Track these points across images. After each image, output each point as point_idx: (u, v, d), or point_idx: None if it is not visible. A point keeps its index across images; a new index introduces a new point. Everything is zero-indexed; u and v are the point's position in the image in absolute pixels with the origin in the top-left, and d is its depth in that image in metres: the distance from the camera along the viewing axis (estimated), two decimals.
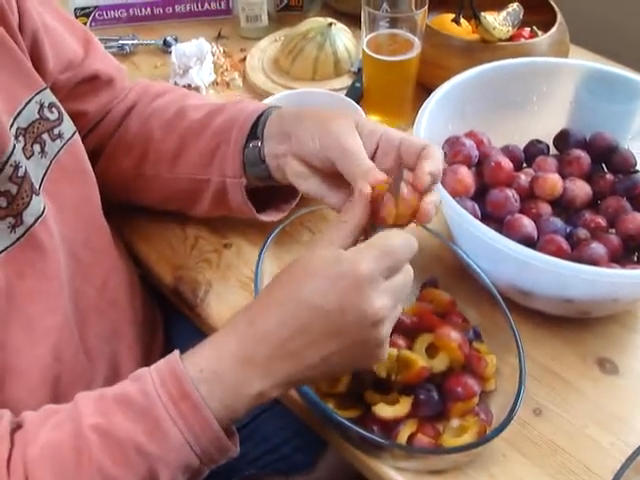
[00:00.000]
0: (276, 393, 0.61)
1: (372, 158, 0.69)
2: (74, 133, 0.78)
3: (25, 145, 0.70)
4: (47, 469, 0.57)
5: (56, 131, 0.75)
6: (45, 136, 0.73)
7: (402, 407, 0.68)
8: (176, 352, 0.62)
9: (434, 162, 0.66)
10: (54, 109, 0.75)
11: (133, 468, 0.57)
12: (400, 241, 0.62)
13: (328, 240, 0.63)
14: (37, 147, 0.72)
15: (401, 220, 0.65)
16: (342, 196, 0.72)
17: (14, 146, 0.67)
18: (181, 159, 0.85)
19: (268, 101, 1.03)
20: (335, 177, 0.71)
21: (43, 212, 0.69)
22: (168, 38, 1.27)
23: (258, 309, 0.63)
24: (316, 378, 0.66)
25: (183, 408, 0.58)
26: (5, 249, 0.66)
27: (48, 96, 0.74)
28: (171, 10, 1.33)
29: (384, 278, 0.60)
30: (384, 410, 0.68)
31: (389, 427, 0.69)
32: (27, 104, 0.71)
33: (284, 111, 0.80)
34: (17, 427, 0.59)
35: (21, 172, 0.67)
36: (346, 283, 0.59)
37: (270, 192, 0.87)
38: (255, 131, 0.80)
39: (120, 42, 1.26)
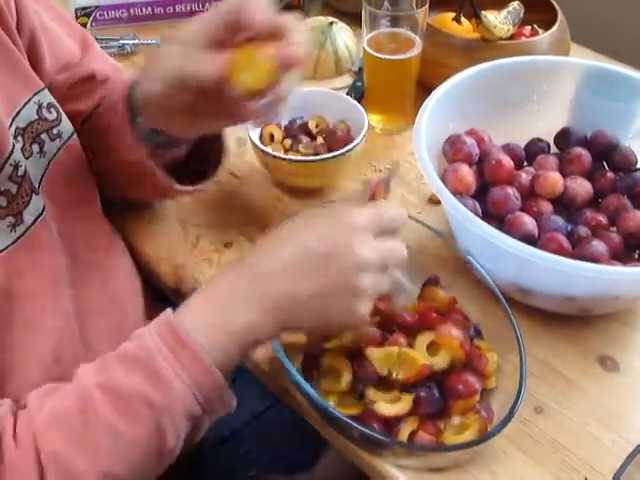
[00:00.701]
0: (267, 326, 0.63)
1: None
2: (73, 133, 0.78)
3: (24, 145, 0.70)
4: (56, 434, 0.58)
5: (55, 131, 0.75)
6: (44, 136, 0.73)
7: (403, 405, 0.68)
8: (168, 309, 0.64)
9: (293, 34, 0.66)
10: (52, 109, 0.75)
11: (140, 421, 0.59)
12: (394, 209, 0.69)
13: None
14: (36, 147, 0.72)
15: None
16: None
17: (13, 145, 0.67)
18: (107, 144, 0.82)
19: None
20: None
21: (43, 211, 0.70)
22: None
23: (253, 254, 0.68)
24: (301, 320, 0.66)
25: (183, 358, 0.60)
26: (5, 248, 0.66)
27: (46, 96, 0.74)
28: (172, 10, 1.33)
29: (374, 236, 0.65)
30: (385, 408, 0.68)
31: (390, 425, 0.69)
32: (26, 104, 0.71)
33: (134, 78, 0.77)
34: (19, 408, 0.60)
35: (21, 171, 0.67)
36: (340, 227, 0.65)
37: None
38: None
39: (121, 42, 1.26)
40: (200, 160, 0.85)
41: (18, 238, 0.67)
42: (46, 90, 0.74)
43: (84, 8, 1.28)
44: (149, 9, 1.32)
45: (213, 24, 0.67)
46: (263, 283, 0.64)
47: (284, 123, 1.01)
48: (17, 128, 0.70)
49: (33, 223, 0.68)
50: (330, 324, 0.67)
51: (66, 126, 0.77)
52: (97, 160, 0.83)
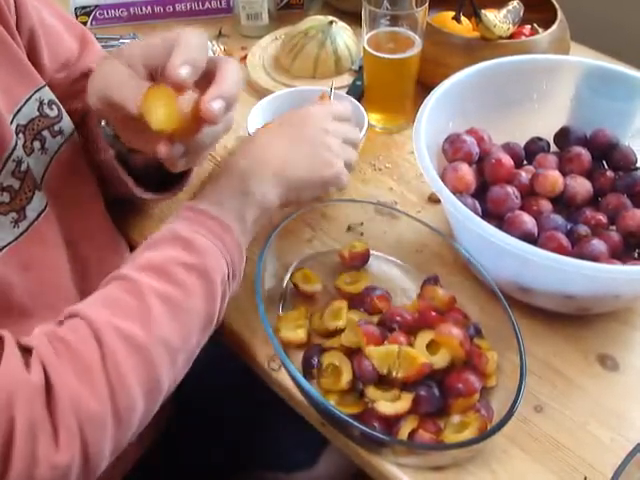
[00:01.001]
0: (271, 192, 0.76)
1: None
2: (74, 130, 0.78)
3: (25, 142, 0.71)
4: (107, 312, 0.61)
5: (56, 128, 0.75)
6: (45, 133, 0.73)
7: (403, 403, 0.68)
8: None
9: (220, 85, 0.66)
10: (54, 106, 0.75)
11: (185, 285, 0.65)
12: (341, 105, 0.91)
13: None
14: (37, 144, 0.72)
15: (186, 133, 0.67)
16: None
17: (16, 141, 0.67)
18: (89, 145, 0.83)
19: (269, 99, 1.03)
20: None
21: (45, 207, 0.70)
22: None
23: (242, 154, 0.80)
24: (297, 171, 0.79)
25: (204, 221, 0.69)
26: (8, 244, 0.66)
27: (47, 93, 0.75)
28: (172, 9, 1.33)
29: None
30: (385, 406, 0.68)
31: (390, 423, 0.69)
32: (27, 101, 0.71)
33: None
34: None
35: (23, 167, 0.67)
36: (308, 115, 0.85)
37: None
38: None
39: (121, 41, 1.26)
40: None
41: (21, 234, 0.68)
42: (47, 87, 0.75)
43: (84, 7, 1.29)
44: (149, 8, 1.32)
45: (155, 52, 0.67)
46: (263, 162, 0.77)
47: None
48: (18, 125, 0.70)
49: (36, 219, 0.69)
50: (317, 176, 0.80)
51: (68, 123, 0.77)
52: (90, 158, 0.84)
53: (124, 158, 0.80)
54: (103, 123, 0.76)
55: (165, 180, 0.84)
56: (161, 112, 0.63)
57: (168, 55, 0.64)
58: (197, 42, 0.65)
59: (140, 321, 0.61)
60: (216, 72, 0.66)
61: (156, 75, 0.67)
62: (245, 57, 1.24)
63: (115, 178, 0.81)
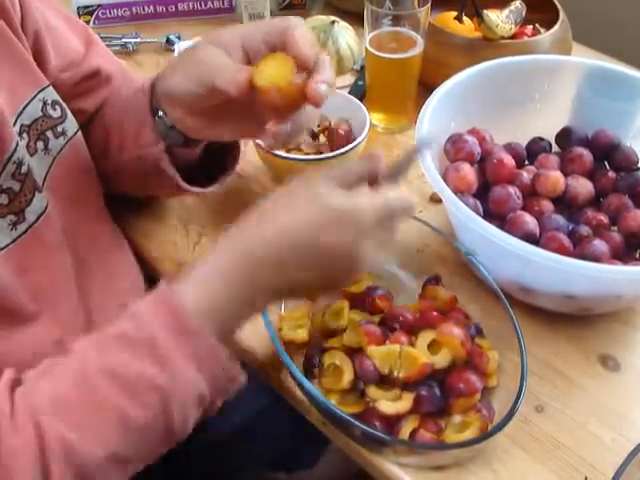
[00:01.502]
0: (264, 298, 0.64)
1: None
2: (77, 130, 0.78)
3: (29, 142, 0.71)
4: (59, 419, 0.56)
5: (60, 128, 0.75)
6: (49, 133, 0.73)
7: (404, 403, 0.69)
8: (162, 284, 0.62)
9: (326, 72, 0.66)
10: (57, 107, 0.75)
11: (147, 404, 0.58)
12: (401, 200, 0.66)
13: None
14: (40, 144, 0.72)
15: (290, 102, 0.67)
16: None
17: (17, 143, 0.67)
18: (121, 141, 0.82)
19: None
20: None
21: (46, 209, 0.70)
22: (171, 36, 1.27)
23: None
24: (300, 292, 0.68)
25: (182, 337, 0.58)
26: (6, 246, 0.66)
27: (51, 93, 0.75)
28: (174, 8, 1.33)
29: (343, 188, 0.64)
30: (386, 406, 0.68)
31: (391, 423, 0.69)
32: (30, 101, 0.71)
33: (160, 72, 0.77)
34: (16, 384, 0.59)
35: (24, 169, 0.67)
36: (344, 223, 0.62)
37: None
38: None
39: (123, 40, 1.26)
40: (213, 162, 0.85)
41: (19, 236, 0.67)
42: (51, 87, 0.74)
43: (86, 7, 1.29)
44: (151, 7, 1.32)
45: (253, 38, 0.68)
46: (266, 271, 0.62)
47: None
48: (22, 125, 0.70)
49: (35, 221, 0.68)
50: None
51: (71, 123, 0.77)
52: (107, 157, 0.83)
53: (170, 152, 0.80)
54: (161, 113, 0.76)
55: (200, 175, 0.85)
56: (278, 71, 0.65)
57: (266, 42, 0.68)
58: (308, 39, 0.67)
59: (92, 438, 0.57)
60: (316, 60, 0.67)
61: (254, 60, 0.68)
62: None
63: (158, 173, 0.80)
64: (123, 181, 0.86)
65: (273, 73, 0.66)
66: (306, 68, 0.66)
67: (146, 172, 0.81)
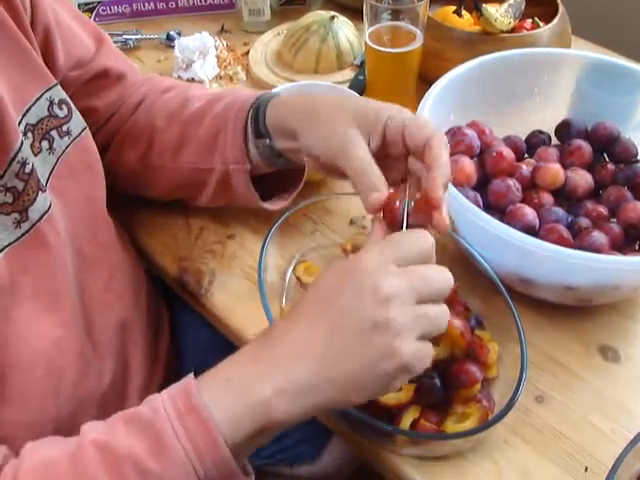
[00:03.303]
0: (284, 406, 0.55)
1: (381, 146, 0.69)
2: (83, 129, 0.78)
3: (33, 142, 0.70)
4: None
5: (65, 128, 0.75)
6: (54, 133, 0.73)
7: (405, 394, 0.69)
8: (191, 374, 0.58)
9: (443, 170, 0.63)
10: (64, 106, 0.75)
11: None
12: (406, 234, 0.60)
13: None
14: (45, 144, 0.72)
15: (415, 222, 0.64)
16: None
17: (22, 142, 0.67)
18: (184, 149, 0.85)
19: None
20: None
21: (49, 209, 0.70)
22: (171, 32, 1.27)
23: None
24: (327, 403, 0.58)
25: (188, 421, 0.54)
26: (10, 244, 0.66)
27: (58, 92, 0.74)
28: (174, 5, 1.34)
29: (396, 266, 0.57)
30: (387, 397, 0.68)
31: (392, 414, 0.69)
32: (37, 100, 0.71)
33: (283, 102, 0.79)
34: (12, 455, 0.58)
35: (28, 169, 0.67)
36: (350, 275, 0.57)
37: (273, 181, 0.87)
38: (256, 118, 0.80)
39: (124, 37, 1.27)
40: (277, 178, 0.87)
41: (23, 234, 0.67)
42: (58, 86, 0.74)
43: (87, 3, 1.29)
44: (152, 4, 1.32)
45: (396, 131, 0.67)
46: (283, 352, 0.57)
47: None
48: (27, 124, 0.69)
49: (38, 220, 0.68)
50: (371, 375, 0.57)
51: (76, 123, 0.77)
52: (141, 160, 0.87)
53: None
54: (268, 142, 0.80)
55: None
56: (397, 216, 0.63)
57: (405, 143, 0.67)
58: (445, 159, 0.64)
59: None
60: (430, 152, 0.64)
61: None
62: (247, 53, 1.24)
63: (232, 186, 0.84)
64: (160, 186, 0.90)
65: None
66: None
67: (205, 182, 0.85)
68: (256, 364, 0.58)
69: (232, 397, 0.56)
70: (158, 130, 0.87)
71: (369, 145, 0.68)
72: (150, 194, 0.92)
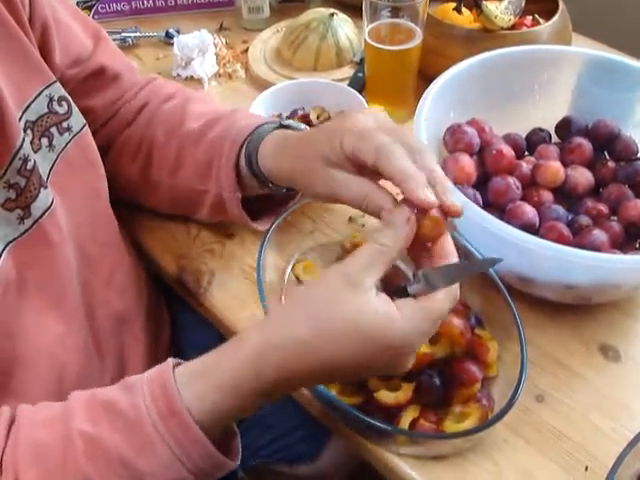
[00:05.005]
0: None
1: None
2: (83, 126, 0.78)
3: (33, 138, 0.70)
4: (34, 471, 0.55)
5: (65, 125, 0.74)
6: (53, 129, 0.73)
7: (404, 393, 0.69)
8: (169, 361, 0.61)
9: (408, 176, 0.60)
10: (64, 102, 0.75)
11: None
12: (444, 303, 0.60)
13: (366, 266, 0.58)
14: (45, 140, 0.72)
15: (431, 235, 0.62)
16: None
17: (23, 139, 0.67)
18: (181, 168, 0.85)
19: (271, 91, 1.03)
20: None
21: (51, 205, 0.70)
22: (170, 30, 1.27)
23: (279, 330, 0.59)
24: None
25: (172, 425, 0.56)
26: (14, 240, 0.66)
27: (58, 89, 0.74)
28: (173, 2, 1.33)
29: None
30: (386, 396, 0.68)
31: (392, 413, 0.69)
32: (37, 97, 0.71)
33: (272, 148, 0.77)
34: (12, 422, 0.58)
35: (30, 165, 0.67)
36: (391, 354, 0.58)
37: (265, 197, 0.85)
38: (250, 157, 0.78)
39: (123, 35, 1.26)
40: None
41: (26, 230, 0.67)
42: (57, 83, 0.74)
43: (86, 1, 1.29)
44: (150, 2, 1.32)
45: (391, 149, 0.62)
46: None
47: (285, 114, 1.01)
48: (27, 121, 0.69)
49: (41, 216, 0.68)
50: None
51: (76, 120, 0.76)
52: (143, 174, 0.87)
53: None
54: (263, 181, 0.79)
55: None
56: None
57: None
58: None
59: None
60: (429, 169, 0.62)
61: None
62: (246, 50, 1.24)
63: (226, 209, 0.84)
64: (157, 200, 0.90)
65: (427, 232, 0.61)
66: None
67: (201, 202, 0.85)
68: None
69: (206, 384, 0.58)
70: (157, 144, 0.86)
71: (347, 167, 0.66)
72: (148, 205, 0.92)
